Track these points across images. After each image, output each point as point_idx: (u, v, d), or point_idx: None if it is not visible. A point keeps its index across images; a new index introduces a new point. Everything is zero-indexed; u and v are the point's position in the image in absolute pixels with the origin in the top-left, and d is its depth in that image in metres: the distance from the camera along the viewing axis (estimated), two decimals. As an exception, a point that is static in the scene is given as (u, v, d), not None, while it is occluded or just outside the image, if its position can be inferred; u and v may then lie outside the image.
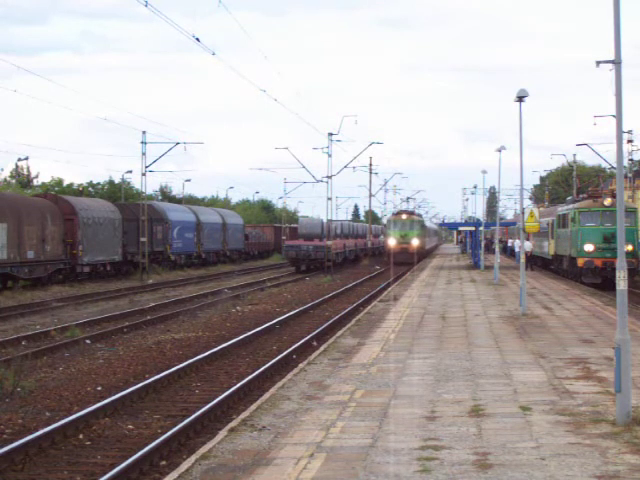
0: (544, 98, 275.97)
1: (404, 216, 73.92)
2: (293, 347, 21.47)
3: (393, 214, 78.22)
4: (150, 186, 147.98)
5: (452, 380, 15.22)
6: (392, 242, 70.82)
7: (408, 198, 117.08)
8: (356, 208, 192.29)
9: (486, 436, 11.11)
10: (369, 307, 30.20)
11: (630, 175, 60.96)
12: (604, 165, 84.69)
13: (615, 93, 12.06)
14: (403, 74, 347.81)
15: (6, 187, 76.55)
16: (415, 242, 71.53)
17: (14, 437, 12.82)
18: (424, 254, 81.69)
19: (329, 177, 57.86)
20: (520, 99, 27.45)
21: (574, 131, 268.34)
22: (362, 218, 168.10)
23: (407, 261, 67.22)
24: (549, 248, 53.69)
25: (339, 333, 22.51)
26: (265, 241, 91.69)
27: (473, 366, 16.72)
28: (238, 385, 16.32)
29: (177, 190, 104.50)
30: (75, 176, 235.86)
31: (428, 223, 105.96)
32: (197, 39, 25.23)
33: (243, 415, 12.74)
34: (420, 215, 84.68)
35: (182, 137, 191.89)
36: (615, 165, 14.66)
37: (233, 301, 36.27)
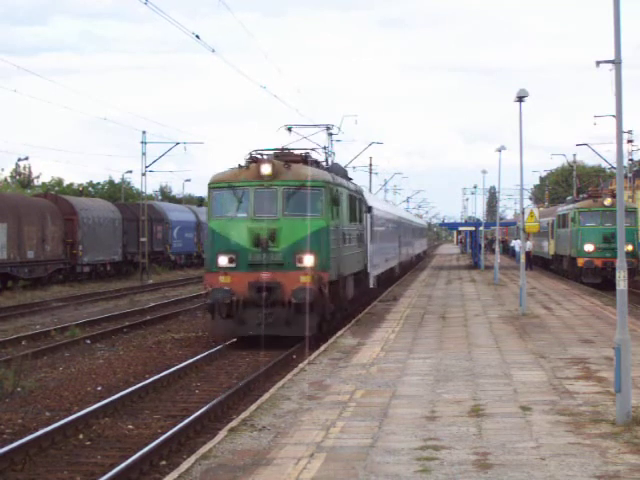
0: (544, 98, 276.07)
1: (266, 169, 21.46)
2: (293, 347, 21.43)
3: (239, 167, 22.03)
4: (150, 186, 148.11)
5: (452, 380, 15.22)
6: (223, 261, 21.24)
7: (408, 198, 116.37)
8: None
9: (486, 436, 11.11)
10: (369, 307, 30.20)
11: (630, 175, 60.99)
12: (604, 165, 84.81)
13: (615, 93, 12.06)
14: (403, 74, 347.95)
15: (6, 187, 76.56)
16: (308, 260, 21.11)
17: (14, 437, 12.81)
18: (361, 302, 30.35)
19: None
20: (520, 99, 27.46)
21: (574, 131, 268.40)
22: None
23: (280, 333, 21.23)
24: (549, 248, 53.70)
25: (339, 333, 22.50)
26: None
27: (473, 366, 16.72)
28: (238, 385, 16.31)
29: (177, 190, 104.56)
30: (75, 176, 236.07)
31: (395, 209, 53.94)
32: (197, 36, 25.14)
33: (243, 415, 12.74)
34: (344, 173, 27.92)
35: (182, 137, 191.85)
36: (615, 165, 14.66)
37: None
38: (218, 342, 21.87)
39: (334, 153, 29.60)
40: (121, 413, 14.56)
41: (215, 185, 22.15)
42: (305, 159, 23.25)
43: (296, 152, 23.60)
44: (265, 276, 21.03)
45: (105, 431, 13.35)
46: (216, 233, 21.70)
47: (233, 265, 21.22)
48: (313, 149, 24.45)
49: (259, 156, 22.41)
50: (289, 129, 27.60)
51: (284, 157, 22.75)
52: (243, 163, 22.07)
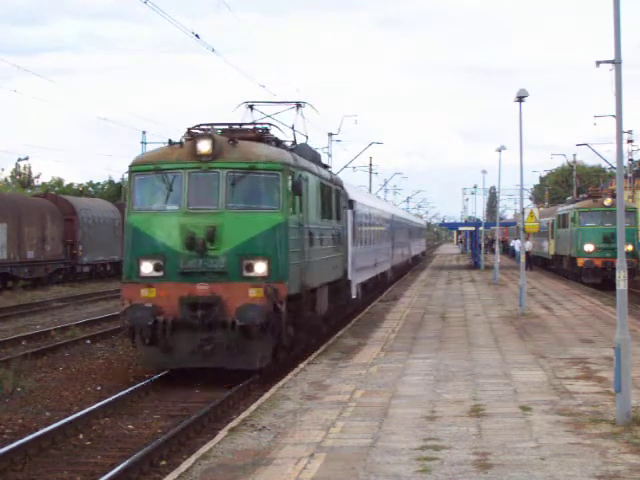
0: (544, 98, 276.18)
1: (204, 146, 16.38)
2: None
3: (170, 144, 17.07)
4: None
5: (452, 380, 15.22)
6: (146, 269, 16.36)
7: (408, 198, 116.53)
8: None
9: (486, 436, 11.10)
10: (369, 307, 30.20)
11: (630, 175, 61.01)
12: (604, 165, 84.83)
13: (615, 93, 12.06)
14: (403, 74, 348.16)
15: (6, 187, 76.57)
16: (260, 267, 16.13)
17: (14, 437, 12.81)
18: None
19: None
20: (520, 99, 27.47)
21: (574, 131, 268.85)
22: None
23: (221, 365, 16.36)
24: (549, 248, 53.70)
25: (339, 333, 22.50)
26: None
27: (473, 366, 16.71)
28: (238, 385, 16.29)
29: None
30: (75, 176, 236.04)
31: (386, 205, 49.69)
32: (196, 35, 25.10)
33: (243, 415, 12.74)
34: (315, 157, 22.12)
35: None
36: (615, 165, 14.67)
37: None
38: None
39: (307, 137, 22.21)
40: (121, 413, 14.55)
41: (138, 168, 16.82)
42: (261, 136, 17.71)
43: (251, 128, 18.36)
44: (202, 289, 16.02)
45: (105, 431, 13.35)
46: (138, 231, 16.46)
47: (159, 274, 16.19)
48: (271, 124, 18.95)
49: (199, 132, 17.14)
50: (250, 107, 21.52)
51: (233, 133, 17.40)
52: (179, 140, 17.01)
